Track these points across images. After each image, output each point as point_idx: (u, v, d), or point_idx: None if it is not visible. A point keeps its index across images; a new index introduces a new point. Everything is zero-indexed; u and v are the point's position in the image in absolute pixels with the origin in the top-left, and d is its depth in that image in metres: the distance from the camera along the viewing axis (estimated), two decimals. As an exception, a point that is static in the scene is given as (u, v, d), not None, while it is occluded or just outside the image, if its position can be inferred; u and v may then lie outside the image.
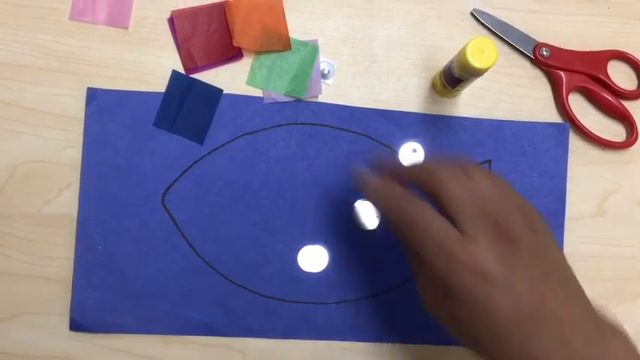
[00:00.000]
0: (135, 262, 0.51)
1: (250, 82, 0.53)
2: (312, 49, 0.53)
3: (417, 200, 0.42)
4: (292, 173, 0.53)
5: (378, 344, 0.53)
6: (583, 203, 0.55)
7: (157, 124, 0.52)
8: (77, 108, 0.52)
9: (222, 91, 0.52)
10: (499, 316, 0.38)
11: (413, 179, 0.44)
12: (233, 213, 0.52)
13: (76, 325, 0.51)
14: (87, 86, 0.52)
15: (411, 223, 0.41)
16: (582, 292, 0.41)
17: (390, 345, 0.53)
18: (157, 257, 0.51)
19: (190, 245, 0.52)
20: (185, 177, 0.52)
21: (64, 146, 0.52)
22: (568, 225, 0.54)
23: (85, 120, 0.52)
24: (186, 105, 0.52)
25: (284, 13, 0.53)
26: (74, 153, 0.52)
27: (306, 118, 0.53)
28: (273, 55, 0.53)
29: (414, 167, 0.46)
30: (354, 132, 0.53)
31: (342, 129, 0.53)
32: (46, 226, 0.51)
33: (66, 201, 0.51)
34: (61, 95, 0.52)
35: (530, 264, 0.39)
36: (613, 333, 0.40)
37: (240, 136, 0.53)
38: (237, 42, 0.52)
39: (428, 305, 0.43)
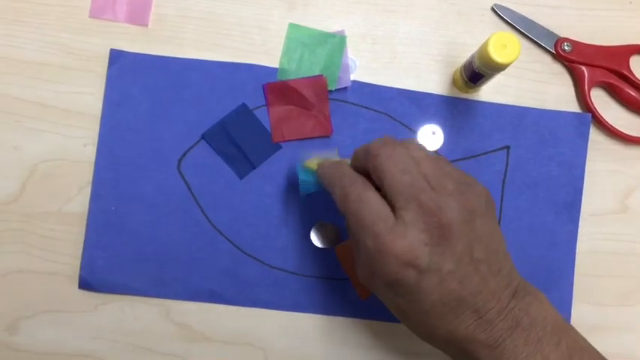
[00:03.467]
0: (147, 226, 0.52)
1: (280, 76, 0.53)
2: (339, 40, 0.53)
3: (355, 175, 0.42)
4: (309, 147, 0.53)
5: (386, 323, 0.53)
6: (605, 199, 0.54)
7: (206, 137, 0.52)
8: (97, 106, 0.52)
9: (281, 147, 0.52)
10: (426, 301, 0.39)
11: (356, 161, 0.44)
12: (247, 183, 0.52)
13: (84, 284, 0.51)
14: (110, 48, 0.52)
15: (346, 196, 0.41)
16: (507, 260, 0.41)
17: (398, 325, 0.52)
18: (169, 222, 0.52)
19: (203, 212, 0.52)
20: (202, 144, 0.52)
21: (84, 144, 0.52)
22: (590, 221, 0.54)
23: (105, 81, 0.52)
24: (241, 140, 0.52)
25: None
26: (94, 150, 0.52)
27: None
28: (300, 49, 0.53)
29: (358, 149, 0.45)
30: (374, 110, 0.53)
31: (363, 106, 0.53)
32: (68, 224, 0.51)
33: (86, 199, 0.51)
34: (82, 93, 0.52)
35: (457, 246, 0.39)
36: (532, 296, 0.41)
37: (259, 106, 0.52)
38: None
39: (361, 277, 0.43)
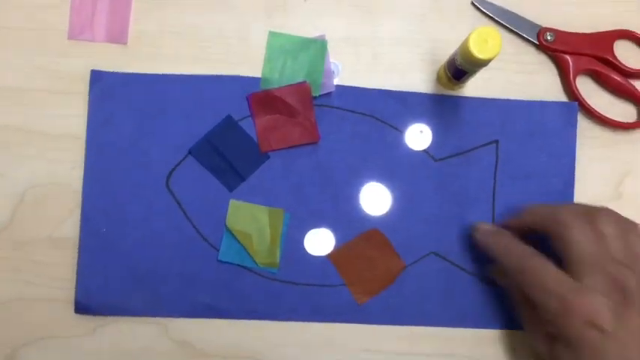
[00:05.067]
0: (139, 245, 0.51)
1: (264, 86, 0.52)
2: (320, 45, 0.53)
3: (528, 249, 0.46)
4: (297, 155, 0.52)
5: (385, 327, 0.52)
6: (598, 187, 0.54)
7: (193, 152, 0.52)
8: (82, 128, 0.51)
9: (269, 157, 0.52)
10: None
11: (535, 219, 0.47)
12: (238, 195, 0.52)
13: (80, 308, 0.51)
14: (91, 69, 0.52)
15: (523, 268, 0.45)
16: None
17: (397, 328, 0.52)
18: (161, 240, 0.51)
19: (195, 227, 0.52)
20: (189, 159, 0.52)
21: (72, 167, 0.51)
22: (585, 210, 0.53)
23: (88, 102, 0.52)
24: (229, 153, 0.52)
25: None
26: (82, 173, 0.51)
27: None
28: (282, 57, 0.52)
29: (538, 207, 0.48)
30: (360, 113, 0.53)
31: (348, 110, 0.53)
32: (60, 248, 0.51)
33: (77, 222, 0.51)
34: (66, 116, 0.52)
35: (638, 319, 0.40)
36: None
37: (245, 117, 0.52)
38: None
39: (536, 346, 0.46)
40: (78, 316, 0.51)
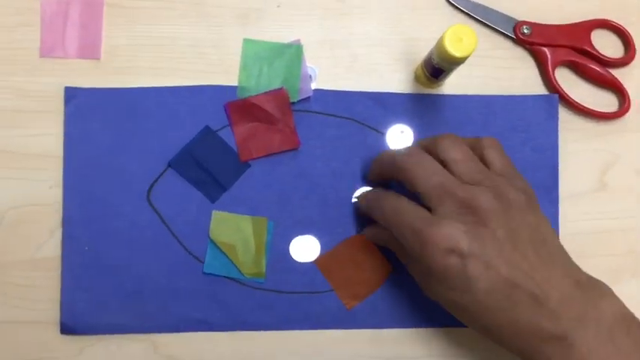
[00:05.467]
0: (123, 262, 0.50)
1: (240, 94, 0.52)
2: (296, 50, 0.52)
3: (383, 192, 0.47)
4: (278, 162, 0.52)
5: (374, 331, 0.52)
6: (583, 179, 0.54)
7: (173, 165, 0.51)
8: (58, 146, 0.51)
9: (249, 165, 0.51)
10: (478, 290, 0.40)
11: (382, 169, 0.48)
12: (220, 206, 0.51)
13: (66, 329, 0.50)
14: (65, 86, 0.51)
15: (384, 213, 0.45)
16: (561, 253, 0.43)
17: (387, 331, 0.52)
18: (145, 255, 0.51)
19: (178, 241, 0.51)
20: (169, 172, 0.51)
21: (49, 186, 0.51)
22: (570, 202, 0.53)
23: (64, 119, 0.51)
24: (209, 163, 0.51)
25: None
26: (60, 192, 0.51)
27: None
28: (258, 64, 0.52)
29: (382, 156, 0.48)
30: (339, 116, 0.52)
31: (327, 114, 0.52)
32: (43, 269, 0.50)
33: (59, 242, 0.50)
34: (41, 135, 0.51)
35: (497, 232, 0.40)
36: (597, 289, 0.41)
37: (224, 127, 0.52)
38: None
39: (424, 290, 0.45)
40: (64, 337, 0.50)
